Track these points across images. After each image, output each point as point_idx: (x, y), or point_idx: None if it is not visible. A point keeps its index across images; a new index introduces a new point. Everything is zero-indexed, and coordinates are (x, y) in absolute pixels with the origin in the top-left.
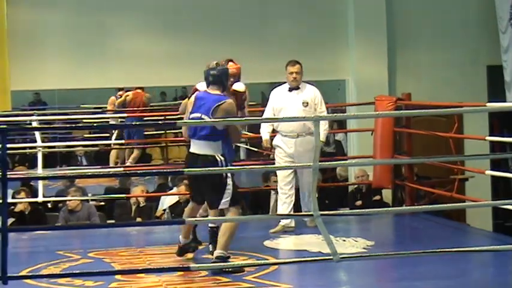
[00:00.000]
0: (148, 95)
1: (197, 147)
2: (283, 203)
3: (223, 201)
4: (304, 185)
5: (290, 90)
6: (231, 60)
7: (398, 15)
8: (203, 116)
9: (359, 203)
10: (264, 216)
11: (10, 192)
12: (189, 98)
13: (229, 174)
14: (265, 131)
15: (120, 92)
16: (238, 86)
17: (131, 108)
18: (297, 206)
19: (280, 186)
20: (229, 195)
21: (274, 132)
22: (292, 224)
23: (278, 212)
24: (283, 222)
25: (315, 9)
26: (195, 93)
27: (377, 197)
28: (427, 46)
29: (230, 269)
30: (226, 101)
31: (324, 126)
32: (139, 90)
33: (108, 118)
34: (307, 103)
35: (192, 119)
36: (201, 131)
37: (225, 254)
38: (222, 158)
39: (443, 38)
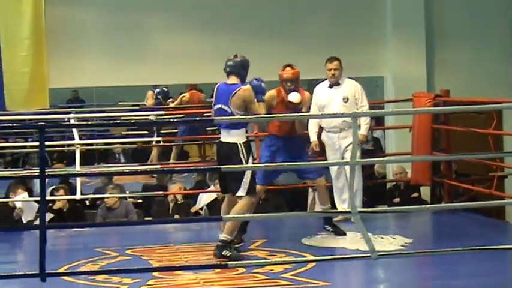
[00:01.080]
0: (204, 95)
1: (222, 136)
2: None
3: (240, 189)
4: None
5: (330, 86)
6: (289, 66)
7: (437, 11)
8: (223, 107)
9: (397, 200)
10: (301, 214)
11: (49, 189)
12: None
13: (248, 163)
14: (312, 131)
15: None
16: (293, 97)
17: (167, 106)
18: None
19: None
20: (246, 185)
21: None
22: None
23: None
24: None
25: (351, 4)
26: (217, 85)
27: (415, 194)
28: (466, 42)
29: (229, 254)
30: (242, 87)
31: (365, 121)
32: (194, 90)
33: (148, 115)
34: (348, 99)
35: (215, 110)
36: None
37: (227, 238)
38: (243, 146)
39: (482, 34)
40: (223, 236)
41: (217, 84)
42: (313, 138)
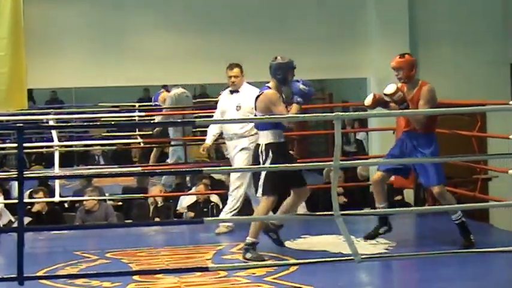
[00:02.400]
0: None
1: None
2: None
3: (258, 190)
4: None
5: (231, 92)
6: (402, 54)
7: (421, 13)
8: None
9: None
10: (281, 216)
11: (27, 192)
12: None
13: (266, 164)
14: (210, 134)
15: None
16: (387, 90)
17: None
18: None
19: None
20: (261, 186)
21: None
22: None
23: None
24: (226, 223)
25: (335, 6)
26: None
27: (398, 197)
28: (450, 43)
29: (250, 256)
30: (264, 91)
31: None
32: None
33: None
34: (240, 107)
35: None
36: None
37: (251, 240)
38: (265, 147)
39: (466, 35)
40: (247, 239)
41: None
42: (207, 141)
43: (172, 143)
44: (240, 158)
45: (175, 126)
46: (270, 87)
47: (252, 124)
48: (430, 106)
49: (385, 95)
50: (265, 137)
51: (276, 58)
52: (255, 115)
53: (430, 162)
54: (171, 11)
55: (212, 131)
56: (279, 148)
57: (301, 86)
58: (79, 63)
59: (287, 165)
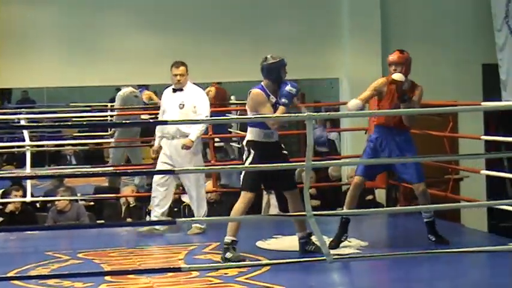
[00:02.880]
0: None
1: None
2: (157, 205)
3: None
4: (188, 190)
5: (174, 91)
6: (400, 50)
7: (393, 13)
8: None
9: None
10: (256, 217)
11: None
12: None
13: (248, 160)
14: (157, 135)
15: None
16: (396, 76)
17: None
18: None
19: (154, 187)
20: (241, 180)
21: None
22: (161, 228)
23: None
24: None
25: (308, 7)
26: None
27: (369, 197)
28: (422, 44)
29: (230, 256)
30: (252, 90)
31: (199, 128)
32: (218, 85)
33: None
34: (184, 105)
35: None
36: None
37: (229, 239)
38: (251, 144)
39: (438, 36)
40: (226, 238)
41: None
42: (155, 143)
43: (112, 144)
44: (186, 161)
45: (146, 126)
46: (263, 86)
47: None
48: (420, 106)
49: (393, 80)
50: (249, 134)
51: (266, 58)
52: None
53: (408, 161)
54: (144, 12)
55: (158, 134)
56: (261, 147)
57: (289, 88)
58: (50, 63)
59: (260, 165)
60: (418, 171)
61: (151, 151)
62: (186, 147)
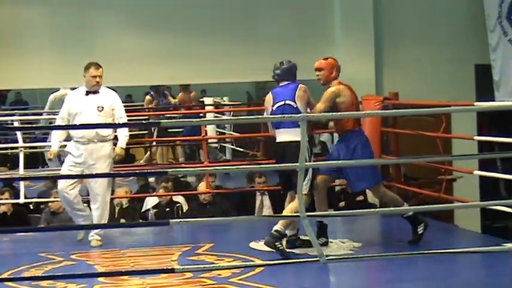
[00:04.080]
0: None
1: (285, 135)
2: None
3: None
4: (94, 196)
5: (87, 94)
6: (327, 58)
7: (386, 13)
8: (288, 102)
9: (342, 204)
10: (249, 218)
11: None
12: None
13: (311, 159)
14: (56, 140)
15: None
16: None
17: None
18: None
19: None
20: (308, 180)
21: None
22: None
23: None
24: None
25: (300, 6)
26: (272, 91)
27: (360, 198)
28: (415, 44)
29: (281, 247)
30: (301, 85)
31: (125, 134)
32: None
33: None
34: (103, 107)
35: (277, 107)
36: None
37: (281, 229)
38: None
39: (431, 37)
40: (277, 227)
41: (272, 90)
42: (54, 147)
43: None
44: (101, 164)
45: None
46: (294, 83)
47: (112, 129)
48: (326, 105)
49: None
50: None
51: (283, 62)
52: (296, 108)
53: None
54: (137, 13)
55: (58, 137)
56: (274, 147)
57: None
58: (43, 64)
59: (249, 166)
60: (373, 174)
61: (47, 154)
62: (119, 156)
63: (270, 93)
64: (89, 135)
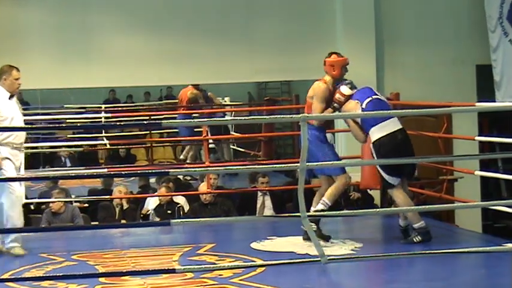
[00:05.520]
0: (196, 92)
1: (393, 124)
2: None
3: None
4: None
5: (10, 97)
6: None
7: (387, 13)
8: (374, 96)
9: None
10: (251, 218)
11: None
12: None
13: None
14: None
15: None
16: (347, 91)
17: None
18: None
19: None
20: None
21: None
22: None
23: None
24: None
25: (302, 7)
26: (354, 96)
27: (356, 195)
28: (416, 45)
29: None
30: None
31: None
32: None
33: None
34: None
35: (373, 104)
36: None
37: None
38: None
39: (432, 37)
40: (415, 226)
41: (354, 96)
42: (2, 153)
43: None
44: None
45: (142, 128)
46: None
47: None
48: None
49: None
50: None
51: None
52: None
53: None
54: (137, 13)
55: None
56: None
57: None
58: (44, 64)
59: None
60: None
61: None
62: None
63: (352, 99)
64: (20, 141)
